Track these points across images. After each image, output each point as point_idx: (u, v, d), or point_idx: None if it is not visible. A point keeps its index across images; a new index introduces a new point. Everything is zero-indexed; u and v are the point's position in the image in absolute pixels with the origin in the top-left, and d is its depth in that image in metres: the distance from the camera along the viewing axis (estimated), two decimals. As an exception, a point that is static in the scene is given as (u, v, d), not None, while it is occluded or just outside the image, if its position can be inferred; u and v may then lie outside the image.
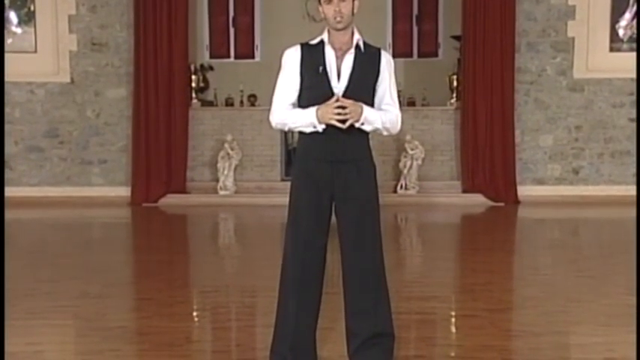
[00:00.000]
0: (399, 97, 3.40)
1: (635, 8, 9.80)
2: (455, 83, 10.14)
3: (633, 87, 9.75)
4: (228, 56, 11.61)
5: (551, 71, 9.93)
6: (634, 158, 9.83)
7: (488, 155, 9.70)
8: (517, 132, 9.84)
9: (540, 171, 10.05)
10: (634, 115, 9.85)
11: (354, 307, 3.27)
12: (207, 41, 11.53)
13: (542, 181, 10.03)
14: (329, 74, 3.14)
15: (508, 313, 4.55)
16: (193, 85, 10.13)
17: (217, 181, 9.69)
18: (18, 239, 7.06)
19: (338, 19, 3.09)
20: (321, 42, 3.18)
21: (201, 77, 10.55)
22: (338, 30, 3.13)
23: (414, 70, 11.11)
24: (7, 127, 9.74)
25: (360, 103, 3.09)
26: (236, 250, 7.33)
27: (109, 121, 9.97)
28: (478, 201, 9.54)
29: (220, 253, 7.10)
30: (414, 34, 11.55)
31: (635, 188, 9.50)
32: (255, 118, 9.97)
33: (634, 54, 9.64)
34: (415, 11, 11.53)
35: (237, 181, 9.72)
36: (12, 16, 9.89)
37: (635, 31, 9.80)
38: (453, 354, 3.72)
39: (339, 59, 3.15)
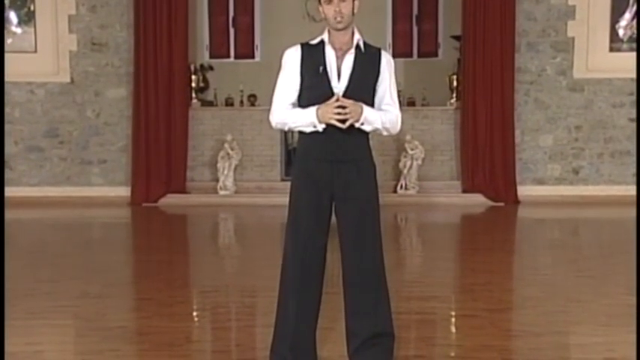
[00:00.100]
0: (399, 97, 3.40)
1: (635, 8, 9.80)
2: (455, 83, 10.15)
3: (633, 87, 9.75)
4: (228, 56, 11.60)
5: (551, 71, 9.93)
6: (634, 158, 9.83)
7: (488, 155, 9.71)
8: (517, 132, 9.84)
9: (540, 171, 10.05)
10: (634, 115, 9.85)
11: (354, 307, 3.27)
12: (207, 41, 11.53)
13: (542, 181, 10.04)
14: (329, 74, 3.14)
15: (508, 313, 4.55)
16: (193, 85, 10.14)
17: (217, 181, 9.70)
18: (18, 239, 7.06)
19: (338, 19, 3.09)
20: (322, 42, 3.18)
21: (201, 77, 10.55)
22: (338, 30, 3.13)
23: (414, 70, 11.11)
24: (7, 127, 9.74)
25: (360, 103, 3.09)
26: (236, 250, 7.33)
27: (109, 121, 9.97)
28: (478, 201, 9.54)
29: (220, 253, 7.10)
30: (413, 34, 11.55)
31: (635, 188, 9.50)
32: (255, 118, 9.97)
33: (634, 54, 9.64)
34: (415, 11, 11.53)
35: (237, 181, 9.72)
36: (12, 16, 9.89)
37: (635, 31, 9.80)
38: (453, 354, 3.72)
39: (340, 59, 3.15)
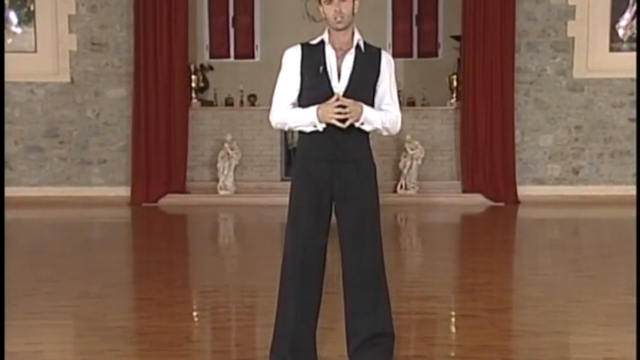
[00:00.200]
0: (399, 97, 3.40)
1: (635, 8, 9.80)
2: (455, 83, 10.15)
3: (633, 87, 9.75)
4: (228, 56, 11.60)
5: (551, 71, 9.93)
6: (634, 158, 9.83)
7: (488, 155, 9.71)
8: (517, 132, 9.84)
9: (540, 171, 10.05)
10: (634, 115, 9.85)
11: (354, 307, 3.27)
12: (207, 41, 11.53)
13: (542, 181, 10.04)
14: (329, 74, 3.14)
15: (508, 313, 4.55)
16: (193, 85, 10.14)
17: (217, 181, 9.69)
18: (18, 239, 7.05)
19: (338, 19, 3.09)
20: (322, 42, 3.18)
21: (201, 77, 10.55)
22: (338, 30, 3.13)
23: (413, 70, 11.11)
24: (7, 127, 9.74)
25: (360, 103, 3.09)
26: (236, 250, 7.33)
27: (108, 121, 9.97)
28: (478, 201, 9.54)
29: (220, 253, 7.10)
30: (413, 34, 11.55)
31: (635, 188, 9.50)
32: (255, 118, 9.97)
33: (634, 54, 9.64)
34: (415, 11, 11.53)
35: (237, 181, 9.72)
36: (12, 16, 9.89)
37: (635, 31, 9.80)
38: (452, 354, 3.72)
39: (340, 59, 3.15)
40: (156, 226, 8.61)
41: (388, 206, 7.89)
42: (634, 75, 9.59)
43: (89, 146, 9.98)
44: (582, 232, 8.21)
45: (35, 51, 9.89)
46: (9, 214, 7.45)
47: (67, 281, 5.27)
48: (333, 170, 3.17)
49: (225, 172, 9.61)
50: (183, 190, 9.76)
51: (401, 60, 10.76)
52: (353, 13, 3.12)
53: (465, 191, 9.78)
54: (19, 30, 9.92)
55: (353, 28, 3.18)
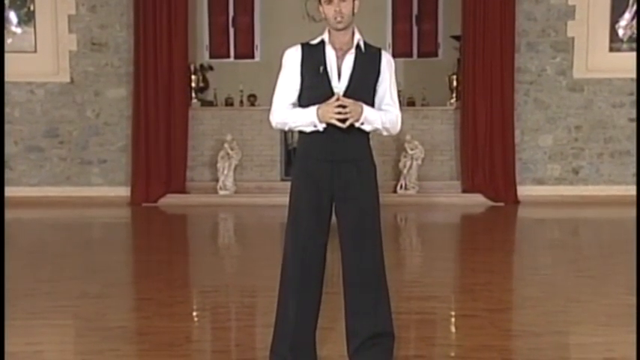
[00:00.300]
0: (399, 97, 3.40)
1: (634, 8, 9.80)
2: (455, 83, 10.15)
3: (633, 87, 9.75)
4: (228, 56, 11.60)
5: (551, 71, 9.94)
6: (634, 158, 9.83)
7: (488, 155, 9.71)
8: (517, 132, 9.84)
9: (540, 171, 10.05)
10: (634, 115, 9.85)
11: (354, 306, 3.27)
12: (207, 41, 11.53)
13: (542, 181, 10.04)
14: (329, 74, 3.14)
15: (508, 313, 4.55)
16: (193, 85, 10.14)
17: (217, 181, 9.70)
18: (18, 239, 7.05)
19: (338, 19, 3.09)
20: (322, 42, 3.18)
21: (201, 77, 10.55)
22: (338, 30, 3.13)
23: (413, 70, 11.11)
24: (7, 127, 9.74)
25: (361, 103, 3.09)
26: (236, 250, 7.33)
27: (108, 121, 9.97)
28: (478, 201, 9.55)
29: (220, 253, 7.10)
30: (413, 34, 11.55)
31: (635, 188, 9.50)
32: (254, 118, 9.97)
33: (634, 54, 9.64)
34: (415, 11, 11.53)
35: (237, 181, 9.73)
36: (12, 16, 9.89)
37: (634, 31, 9.80)
38: (452, 354, 3.72)
39: (340, 59, 3.15)
40: (156, 226, 8.61)
41: (388, 206, 7.89)
42: (634, 75, 9.60)
43: (89, 146, 9.98)
44: (582, 232, 8.21)
45: (35, 51, 9.89)
46: (9, 214, 7.45)
47: (67, 281, 5.27)
48: (334, 170, 3.17)
49: (225, 172, 9.61)
50: (183, 190, 9.76)
51: (401, 60, 10.76)
52: (353, 13, 3.12)
53: (464, 191, 9.78)
54: (19, 30, 9.92)
55: (353, 28, 3.18)
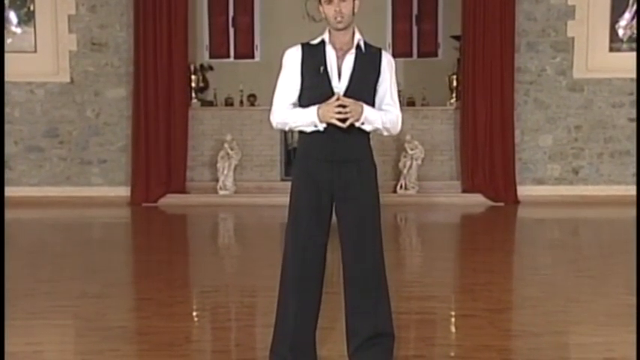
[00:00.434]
0: (399, 97, 3.40)
1: (634, 8, 9.80)
2: (454, 83, 10.15)
3: (633, 87, 9.75)
4: (228, 56, 11.61)
5: (551, 71, 9.94)
6: (634, 158, 9.84)
7: (487, 155, 9.71)
8: (517, 132, 9.84)
9: (540, 171, 10.05)
10: (634, 115, 9.85)
11: (354, 306, 3.27)
12: (206, 41, 11.53)
13: (542, 181, 10.04)
14: (330, 74, 3.14)
15: (508, 313, 4.55)
16: (193, 85, 10.14)
17: (217, 181, 9.70)
18: (18, 239, 7.05)
19: (339, 19, 3.09)
20: (322, 42, 3.18)
21: (200, 77, 10.55)
22: (339, 30, 3.13)
23: (413, 70, 11.11)
24: (6, 127, 9.74)
25: (361, 103, 3.09)
26: (236, 250, 7.33)
27: (108, 121, 9.97)
28: (478, 201, 9.55)
29: (220, 253, 7.10)
30: (413, 33, 11.55)
31: (635, 188, 9.50)
32: (254, 118, 9.97)
33: (634, 54, 9.64)
34: (415, 11, 11.54)
35: (236, 181, 9.72)
36: (12, 16, 9.89)
37: (634, 31, 9.80)
38: (452, 354, 3.72)
39: (340, 59, 3.15)
40: (156, 226, 8.61)
41: (388, 206, 7.88)
42: (634, 75, 9.60)
43: (89, 146, 9.98)
44: (582, 232, 8.21)
45: (35, 51, 9.89)
46: (9, 214, 7.45)
47: (67, 281, 5.27)
48: (334, 170, 3.17)
49: (225, 172, 9.61)
50: (183, 190, 9.76)
51: (401, 60, 10.76)
52: (353, 13, 3.12)
53: (464, 191, 9.78)
54: (19, 30, 9.92)
55: (353, 28, 3.18)
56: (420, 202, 9.40)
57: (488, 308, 4.50)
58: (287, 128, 3.26)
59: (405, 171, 9.64)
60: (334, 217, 3.24)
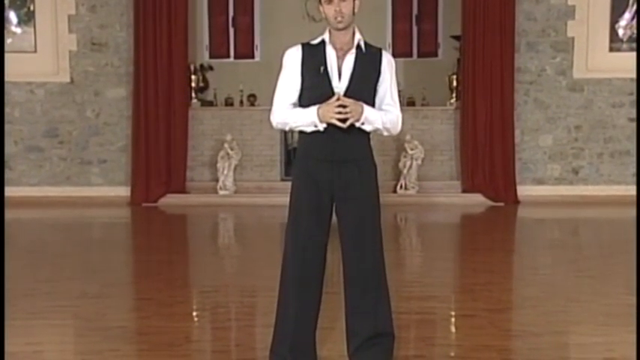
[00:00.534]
0: (399, 97, 3.39)
1: (634, 8, 9.80)
2: (454, 83, 10.15)
3: (633, 87, 9.75)
4: (228, 56, 11.61)
5: (551, 71, 9.94)
6: (634, 158, 9.84)
7: (487, 155, 9.71)
8: (517, 132, 9.84)
9: (540, 171, 10.05)
10: (634, 115, 9.85)
11: (354, 306, 3.27)
12: (206, 41, 11.53)
13: (542, 181, 10.04)
14: (330, 74, 3.14)
15: (508, 313, 4.55)
16: (193, 85, 10.14)
17: (217, 181, 9.70)
18: (18, 239, 7.05)
19: (339, 18, 3.09)
20: (322, 42, 3.18)
21: (200, 77, 10.55)
22: (339, 30, 3.13)
23: (413, 70, 11.11)
24: (6, 126, 9.74)
25: (361, 103, 3.09)
26: (236, 250, 7.33)
27: (108, 121, 9.97)
28: (478, 201, 9.55)
29: (220, 253, 7.10)
30: (413, 33, 11.55)
31: (634, 188, 9.50)
32: (254, 118, 9.97)
33: (634, 54, 9.64)
34: (415, 11, 11.54)
35: (236, 181, 9.72)
36: (12, 16, 9.89)
37: (634, 31, 9.80)
38: (452, 354, 3.72)
39: (340, 59, 3.15)
40: (156, 226, 8.61)
41: (388, 206, 7.87)
42: (634, 75, 9.60)
43: (89, 146, 9.98)
44: (582, 232, 8.21)
45: (35, 51, 9.89)
46: (9, 214, 7.44)
47: (67, 281, 5.27)
48: (334, 170, 3.16)
49: (225, 172, 9.61)
50: (183, 190, 9.76)
51: (401, 60, 10.76)
52: (353, 13, 3.12)
53: (464, 191, 9.78)
54: (19, 30, 9.92)
55: (354, 28, 3.18)
56: (420, 202, 9.40)
57: (489, 308, 4.50)
58: (287, 128, 3.26)
59: (405, 171, 9.64)
60: (334, 217, 3.24)
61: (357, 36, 3.18)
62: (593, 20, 9.77)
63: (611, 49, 9.87)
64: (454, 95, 10.16)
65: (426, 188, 9.74)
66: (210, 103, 10.88)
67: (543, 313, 4.38)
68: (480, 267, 5.77)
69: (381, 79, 3.20)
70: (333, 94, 3.10)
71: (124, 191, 9.72)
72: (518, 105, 9.87)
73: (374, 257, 3.24)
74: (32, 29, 9.90)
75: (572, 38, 9.84)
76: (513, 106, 9.77)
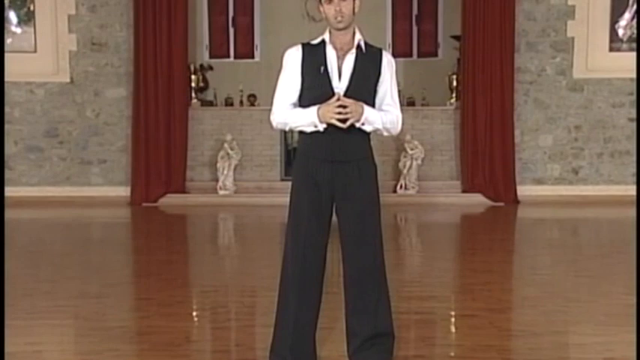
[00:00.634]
0: (399, 97, 3.39)
1: (634, 8, 9.80)
2: (454, 83, 10.16)
3: (633, 87, 9.76)
4: (228, 56, 11.61)
5: (551, 71, 9.94)
6: (633, 158, 9.84)
7: (487, 155, 9.71)
8: (517, 132, 9.84)
9: (540, 171, 10.05)
10: (634, 115, 9.86)
11: (354, 306, 3.27)
12: (206, 41, 11.53)
13: (542, 180, 10.04)
14: (330, 74, 3.14)
15: (507, 313, 4.55)
16: (193, 85, 10.14)
17: (217, 181, 9.70)
18: (18, 239, 7.05)
19: (339, 18, 3.09)
20: (323, 42, 3.18)
21: (200, 77, 10.55)
22: (339, 30, 3.13)
23: (413, 70, 11.12)
24: (6, 126, 9.74)
25: (361, 103, 3.09)
26: (236, 250, 7.33)
27: (108, 121, 9.98)
28: (478, 201, 9.55)
29: (220, 253, 7.10)
30: (413, 33, 11.56)
31: (634, 188, 9.51)
32: (254, 118, 9.97)
33: (634, 54, 9.65)
34: (415, 11, 11.54)
35: (236, 181, 9.73)
36: (12, 15, 9.89)
37: (634, 31, 9.81)
38: (452, 354, 3.72)
39: (340, 59, 3.15)
40: (155, 226, 8.60)
41: (388, 206, 7.86)
42: (634, 75, 9.60)
43: (89, 146, 9.98)
44: (582, 232, 8.21)
45: (35, 51, 9.89)
46: (9, 214, 7.44)
47: (67, 281, 5.27)
48: (334, 170, 3.16)
49: (225, 172, 9.62)
50: (182, 190, 9.76)
51: (401, 60, 10.77)
52: (353, 13, 3.12)
53: (464, 191, 9.79)
54: (18, 30, 9.91)
55: (354, 28, 3.18)
56: (420, 202, 9.40)
57: (489, 308, 4.50)
58: (287, 128, 3.26)
59: (405, 171, 9.64)
60: (334, 217, 3.24)
61: (358, 36, 3.18)
62: (593, 20, 9.77)
63: (611, 49, 9.87)
64: (454, 95, 10.16)
65: (426, 188, 9.74)
66: (210, 103, 10.88)
67: (543, 313, 4.38)
68: (480, 267, 5.77)
69: (381, 79, 3.20)
70: (333, 94, 3.10)
71: (123, 191, 9.73)
72: (518, 105, 9.87)
73: (374, 257, 3.24)
74: (32, 29, 9.89)
75: (572, 38, 9.84)
76: (513, 106, 9.77)
